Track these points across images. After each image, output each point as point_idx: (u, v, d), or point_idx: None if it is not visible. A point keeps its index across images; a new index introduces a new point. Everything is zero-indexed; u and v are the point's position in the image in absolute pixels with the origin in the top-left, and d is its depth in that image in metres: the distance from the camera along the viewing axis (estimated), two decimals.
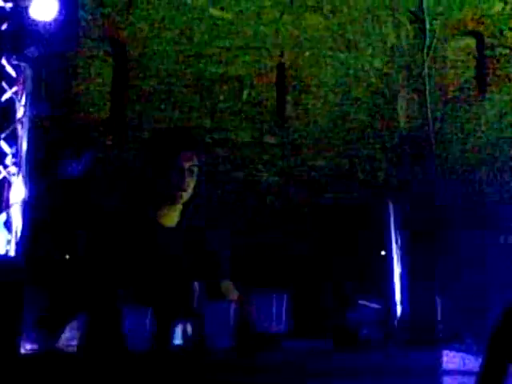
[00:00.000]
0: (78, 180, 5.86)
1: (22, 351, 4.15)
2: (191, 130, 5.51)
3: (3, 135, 6.03)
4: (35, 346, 4.26)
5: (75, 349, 4.52)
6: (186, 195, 3.96)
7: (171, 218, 3.98)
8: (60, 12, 5.57)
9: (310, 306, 4.67)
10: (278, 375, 4.05)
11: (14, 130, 6.17)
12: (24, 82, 6.17)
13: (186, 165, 3.86)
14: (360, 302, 4.40)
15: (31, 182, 6.02)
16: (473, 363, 3.99)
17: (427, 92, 7.41)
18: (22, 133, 6.18)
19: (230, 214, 6.58)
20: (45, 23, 5.63)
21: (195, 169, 3.88)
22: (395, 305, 4.63)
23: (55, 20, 5.60)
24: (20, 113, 6.18)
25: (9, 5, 5.78)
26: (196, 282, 4.23)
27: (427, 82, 7.42)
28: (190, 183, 3.89)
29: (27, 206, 5.94)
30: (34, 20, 5.64)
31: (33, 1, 5.64)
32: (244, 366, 3.98)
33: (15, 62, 6.02)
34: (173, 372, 3.71)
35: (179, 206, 3.89)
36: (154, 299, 3.82)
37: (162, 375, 3.69)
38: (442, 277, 5.91)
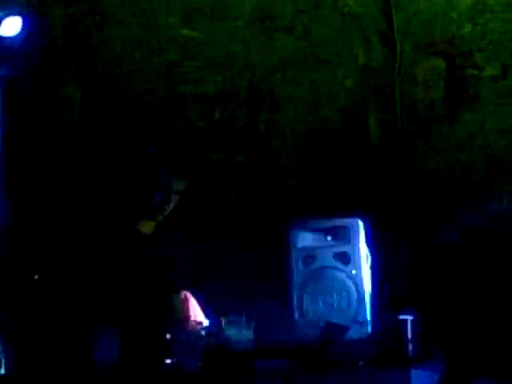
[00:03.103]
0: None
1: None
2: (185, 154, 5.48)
3: None
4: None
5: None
6: (164, 214, 3.98)
7: (149, 226, 3.99)
8: (24, 27, 5.55)
9: (277, 325, 4.65)
10: None
11: None
12: None
13: (174, 190, 3.88)
14: (328, 320, 4.38)
15: (2, 200, 5.98)
16: None
17: (398, 112, 7.45)
18: None
19: (201, 234, 6.57)
20: (13, 41, 5.61)
21: (180, 192, 3.90)
22: (365, 323, 4.62)
23: (19, 35, 5.58)
24: None
25: None
26: (178, 294, 4.22)
27: (398, 102, 7.46)
28: (172, 205, 3.91)
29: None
30: (2, 38, 5.63)
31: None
32: None
33: None
34: None
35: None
36: (129, 312, 3.81)
37: None
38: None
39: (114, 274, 3.89)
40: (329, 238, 4.90)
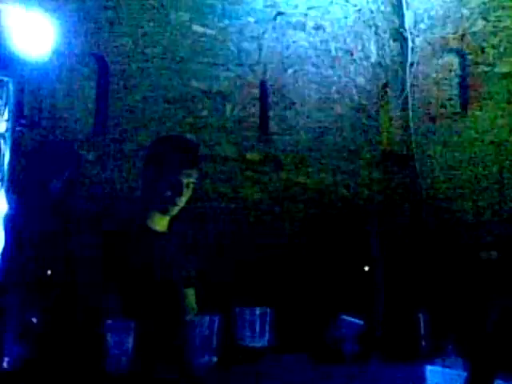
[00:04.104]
0: (59, 195, 5.82)
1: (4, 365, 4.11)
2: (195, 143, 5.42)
3: None
4: (16, 361, 4.21)
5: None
6: (178, 208, 3.97)
7: (162, 223, 3.98)
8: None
9: (293, 320, 4.65)
10: None
11: None
12: (6, 97, 6.15)
13: (185, 181, 3.86)
14: (342, 317, 4.38)
15: (13, 197, 5.99)
16: (456, 378, 3.98)
17: (410, 109, 7.45)
18: (4, 148, 6.15)
19: (214, 229, 6.58)
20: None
21: (192, 184, 3.88)
22: (378, 320, 4.62)
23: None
24: (2, 128, 6.15)
25: None
26: (191, 289, 4.21)
27: (410, 99, 7.46)
28: (185, 198, 3.90)
29: (9, 221, 5.90)
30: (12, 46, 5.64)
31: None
32: (226, 380, 3.96)
33: None
34: None
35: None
36: (145, 309, 3.80)
37: None
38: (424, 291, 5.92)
39: (129, 272, 3.88)
40: None
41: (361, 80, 7.39)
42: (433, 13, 7.42)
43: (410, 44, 7.45)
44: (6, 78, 5.98)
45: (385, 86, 7.48)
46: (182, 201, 3.95)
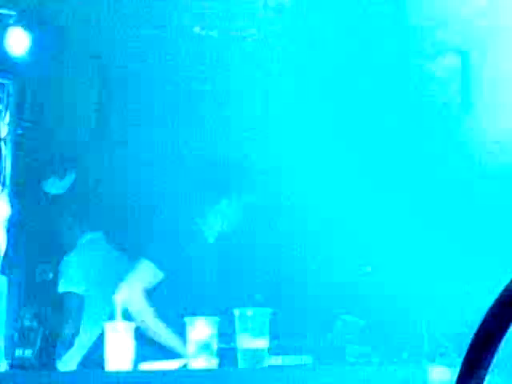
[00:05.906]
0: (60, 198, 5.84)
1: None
2: None
3: None
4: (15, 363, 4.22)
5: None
6: None
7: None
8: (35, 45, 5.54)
9: (294, 321, 4.63)
10: None
11: None
12: (7, 101, 6.14)
13: None
14: (344, 317, 4.36)
15: (15, 200, 5.99)
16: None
17: (413, 109, 7.43)
18: (6, 151, 6.14)
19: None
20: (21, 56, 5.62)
21: None
22: (381, 320, 4.60)
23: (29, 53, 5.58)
24: (4, 131, 6.14)
25: None
26: None
27: (413, 99, 7.44)
28: None
29: (11, 225, 5.90)
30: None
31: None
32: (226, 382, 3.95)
33: None
34: None
35: None
36: None
37: None
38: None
39: None
40: None
41: None
42: (435, 12, 7.39)
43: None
44: (6, 81, 5.97)
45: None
46: None
